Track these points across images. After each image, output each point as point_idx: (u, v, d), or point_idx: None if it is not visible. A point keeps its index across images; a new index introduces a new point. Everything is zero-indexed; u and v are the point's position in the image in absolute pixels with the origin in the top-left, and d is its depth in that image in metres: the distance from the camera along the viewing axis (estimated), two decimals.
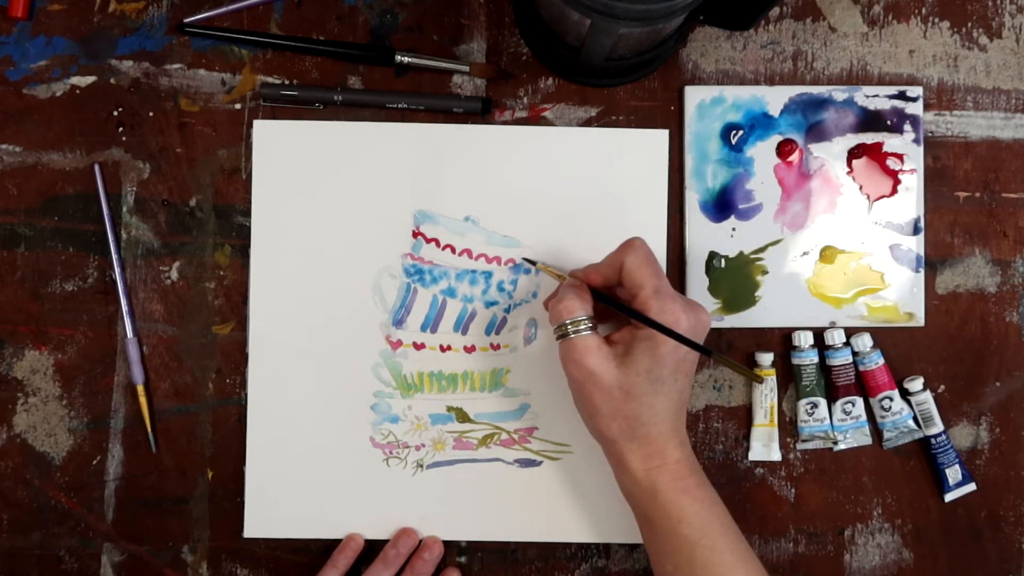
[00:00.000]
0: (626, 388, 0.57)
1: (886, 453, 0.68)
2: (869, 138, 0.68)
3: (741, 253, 0.68)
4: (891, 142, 0.68)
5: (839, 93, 0.68)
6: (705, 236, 0.68)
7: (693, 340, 0.57)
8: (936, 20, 0.69)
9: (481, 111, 0.67)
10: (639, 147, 0.68)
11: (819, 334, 0.68)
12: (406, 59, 0.67)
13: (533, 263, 0.65)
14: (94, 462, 0.67)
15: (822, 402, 0.67)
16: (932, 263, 0.68)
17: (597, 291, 0.60)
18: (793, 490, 0.68)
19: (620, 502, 0.67)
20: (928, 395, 0.67)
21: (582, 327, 0.58)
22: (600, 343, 0.58)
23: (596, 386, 0.58)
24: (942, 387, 0.68)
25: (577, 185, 0.67)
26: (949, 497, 0.68)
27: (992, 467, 0.68)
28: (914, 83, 0.69)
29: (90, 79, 0.68)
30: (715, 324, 0.68)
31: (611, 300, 0.60)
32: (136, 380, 0.67)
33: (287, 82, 0.68)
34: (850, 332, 0.68)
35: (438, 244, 0.67)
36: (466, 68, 0.67)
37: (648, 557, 0.63)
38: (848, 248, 0.68)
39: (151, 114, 0.68)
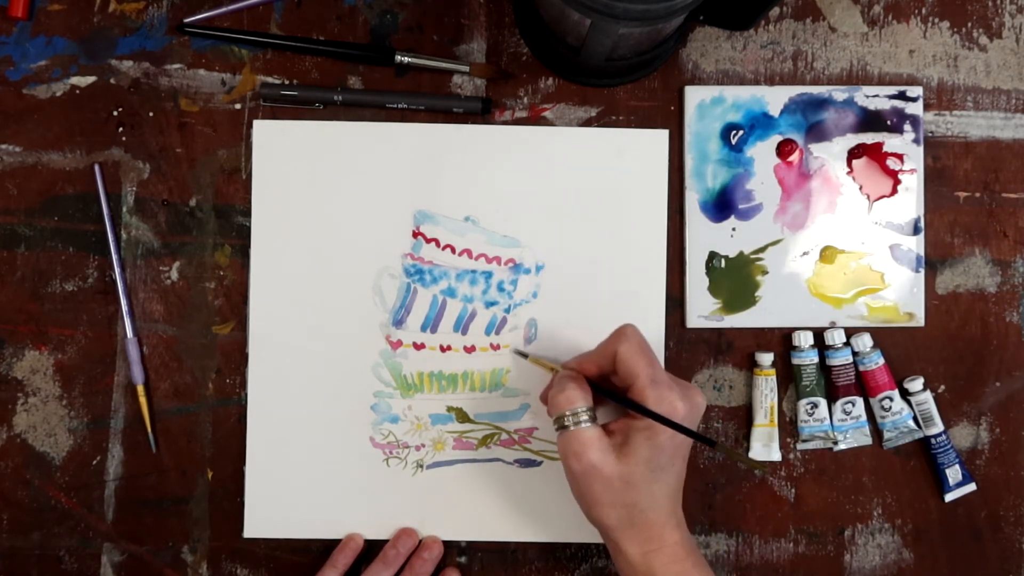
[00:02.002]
0: (626, 478, 0.57)
1: (886, 453, 0.68)
2: (869, 138, 0.68)
3: (741, 253, 0.68)
4: (891, 142, 0.68)
5: (839, 93, 0.68)
6: (705, 236, 0.68)
7: (690, 428, 0.58)
8: (936, 20, 0.69)
9: (481, 111, 0.67)
10: (639, 147, 0.68)
11: (819, 334, 0.68)
12: (406, 59, 0.67)
13: (525, 355, 0.66)
14: (94, 462, 0.67)
15: (822, 402, 0.67)
16: (932, 263, 0.68)
17: (593, 382, 0.60)
18: (793, 490, 0.68)
19: None
20: (928, 395, 0.67)
21: (583, 419, 0.58)
22: (600, 435, 0.58)
23: (597, 478, 0.57)
24: (942, 387, 0.68)
25: (577, 185, 0.67)
26: (949, 497, 0.68)
27: (992, 467, 0.68)
28: (914, 83, 0.69)
29: (90, 79, 0.68)
30: (715, 324, 0.68)
31: (608, 392, 0.60)
32: (136, 380, 0.67)
33: (287, 82, 0.68)
34: (850, 332, 0.68)
35: (438, 244, 0.67)
36: (466, 68, 0.67)
37: None
38: (848, 248, 0.68)
39: (151, 114, 0.68)
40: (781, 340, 0.68)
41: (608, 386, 0.61)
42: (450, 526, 0.67)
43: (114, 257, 0.67)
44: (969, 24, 0.69)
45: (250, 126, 0.68)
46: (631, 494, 0.57)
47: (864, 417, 0.68)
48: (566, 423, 0.58)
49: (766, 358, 0.67)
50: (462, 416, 0.68)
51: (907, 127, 0.68)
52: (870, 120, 0.68)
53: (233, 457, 0.67)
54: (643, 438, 0.57)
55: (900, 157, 0.68)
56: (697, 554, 0.59)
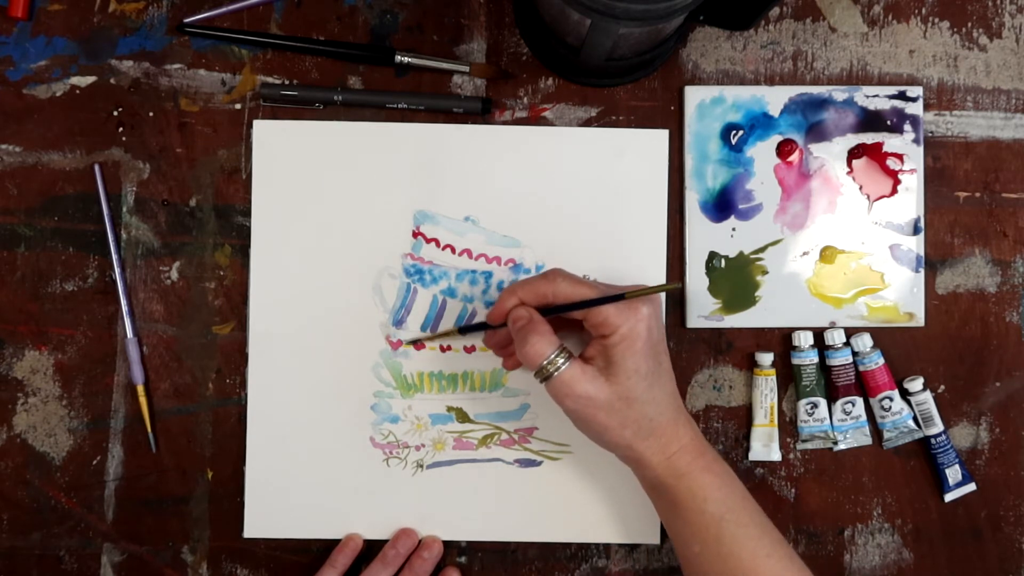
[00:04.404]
0: (623, 395, 0.57)
1: (886, 453, 0.68)
2: (869, 138, 0.68)
3: (741, 253, 0.68)
4: (891, 142, 0.68)
5: (839, 93, 0.68)
6: (705, 236, 0.68)
7: (649, 287, 0.58)
8: (936, 20, 0.69)
9: (481, 111, 0.67)
10: (639, 147, 0.68)
11: (819, 334, 0.68)
12: (406, 59, 0.67)
13: (466, 331, 0.65)
14: (94, 462, 0.67)
15: (822, 402, 0.67)
16: (932, 263, 0.68)
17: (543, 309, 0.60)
18: (793, 490, 0.68)
19: (620, 502, 0.67)
20: (928, 395, 0.67)
21: (560, 362, 0.58)
22: (582, 368, 0.58)
23: (596, 408, 0.58)
24: (942, 387, 0.68)
25: (577, 185, 0.67)
26: (949, 497, 0.68)
27: (992, 467, 0.68)
28: (914, 83, 0.69)
29: (90, 79, 0.68)
30: (715, 324, 0.68)
31: (562, 307, 0.59)
32: (136, 380, 0.67)
33: (287, 82, 0.68)
34: (850, 332, 0.68)
35: (438, 244, 0.67)
36: (466, 68, 0.67)
37: (671, 550, 0.63)
38: (848, 248, 0.68)
39: (151, 114, 0.68)
40: (781, 340, 0.68)
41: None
42: (450, 526, 0.67)
43: (114, 257, 0.67)
44: (969, 24, 0.69)
45: (250, 126, 0.68)
46: (635, 408, 0.58)
47: (864, 417, 0.68)
48: (546, 373, 0.58)
49: (766, 358, 0.67)
50: (462, 416, 0.68)
51: (907, 127, 0.68)
52: (870, 120, 0.68)
53: (233, 457, 0.67)
54: (622, 350, 0.57)
55: (900, 157, 0.68)
56: (712, 448, 0.60)
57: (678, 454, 0.59)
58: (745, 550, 0.58)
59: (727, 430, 0.68)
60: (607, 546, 0.68)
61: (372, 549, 0.67)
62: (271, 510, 0.67)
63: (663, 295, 0.66)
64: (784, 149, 0.68)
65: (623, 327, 0.57)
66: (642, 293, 0.57)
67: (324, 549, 0.67)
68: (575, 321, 0.60)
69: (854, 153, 0.68)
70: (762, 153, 0.68)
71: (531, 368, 0.59)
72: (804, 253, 0.68)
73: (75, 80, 0.68)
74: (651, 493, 0.61)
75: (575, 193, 0.67)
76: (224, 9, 0.68)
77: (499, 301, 0.60)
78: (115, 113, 0.68)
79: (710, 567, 0.58)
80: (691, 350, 0.68)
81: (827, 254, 0.68)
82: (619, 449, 0.60)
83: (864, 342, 0.67)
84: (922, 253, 0.68)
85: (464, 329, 0.65)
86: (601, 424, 0.58)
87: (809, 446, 0.68)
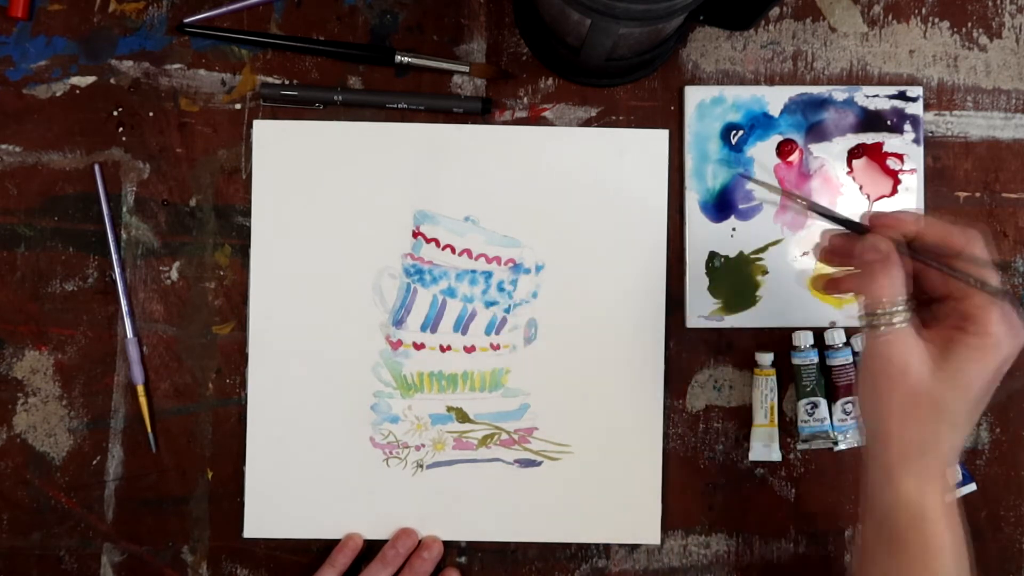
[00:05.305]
0: (937, 400, 0.48)
1: None
2: (869, 138, 0.68)
3: (741, 253, 0.68)
4: (891, 142, 0.68)
5: (839, 93, 0.68)
6: (705, 236, 0.68)
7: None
8: (936, 20, 0.69)
9: (481, 111, 0.67)
10: (639, 147, 0.68)
11: (819, 334, 0.68)
12: (406, 59, 0.67)
13: (750, 179, 0.58)
14: (94, 462, 0.67)
15: (822, 402, 0.67)
16: None
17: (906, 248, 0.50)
18: (793, 490, 0.68)
19: (620, 502, 0.67)
20: None
21: (899, 316, 0.48)
22: (916, 339, 0.48)
23: (901, 389, 0.49)
24: None
25: (577, 185, 0.67)
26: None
27: (992, 467, 0.68)
28: (914, 83, 0.69)
29: (90, 79, 0.68)
30: (715, 324, 0.68)
31: (931, 262, 0.49)
32: (136, 380, 0.67)
33: (287, 82, 0.68)
34: (850, 332, 0.68)
35: (438, 244, 0.67)
36: (466, 68, 0.67)
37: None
38: None
39: (151, 114, 0.68)
40: (781, 340, 0.68)
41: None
42: (450, 526, 0.67)
43: (114, 257, 0.67)
44: (969, 24, 0.69)
45: (250, 126, 0.68)
46: (936, 421, 0.49)
47: None
48: (878, 320, 0.49)
49: (766, 358, 0.67)
50: (462, 416, 0.68)
51: (907, 127, 0.68)
52: (870, 120, 0.68)
53: (233, 457, 0.67)
54: (971, 357, 0.48)
55: (900, 157, 0.68)
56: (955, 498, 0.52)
57: (934, 494, 0.49)
58: None
59: (727, 430, 0.68)
60: (607, 546, 0.68)
61: (372, 549, 0.67)
62: (271, 510, 0.67)
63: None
64: (784, 149, 0.68)
65: (1004, 340, 0.48)
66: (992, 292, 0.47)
67: (324, 549, 0.67)
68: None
69: (854, 153, 0.68)
70: (762, 153, 0.68)
71: (864, 306, 0.50)
72: (804, 253, 0.68)
73: (75, 80, 0.68)
74: (874, 516, 0.52)
75: (575, 193, 0.67)
76: (224, 9, 0.68)
77: (896, 215, 0.50)
78: (115, 113, 0.68)
79: None
80: (691, 350, 0.68)
81: None
82: (878, 445, 0.51)
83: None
84: None
85: (821, 211, 0.55)
86: (890, 409, 0.49)
87: (809, 446, 0.68)
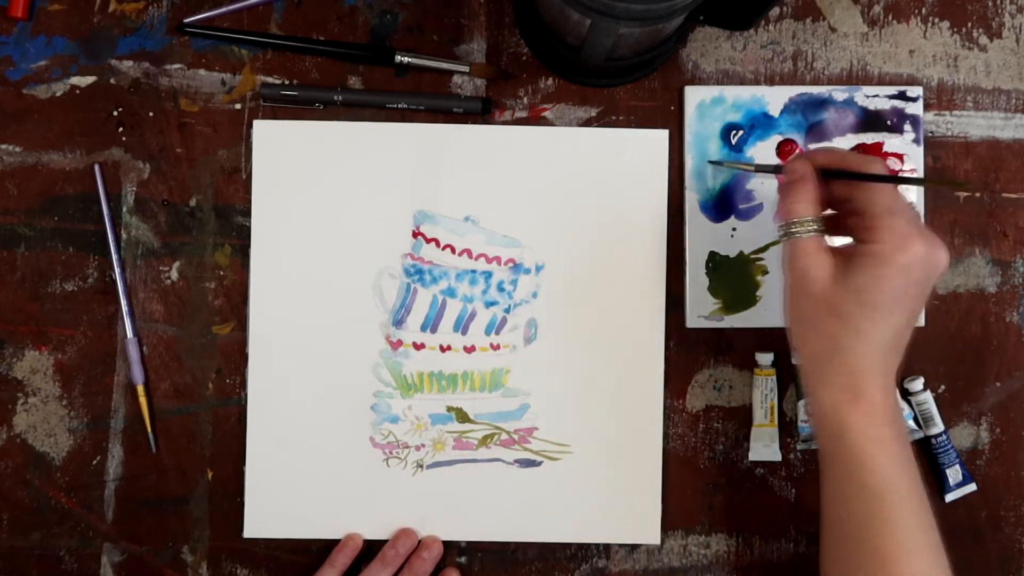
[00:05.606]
0: (832, 303, 0.52)
1: None
2: (869, 138, 0.68)
3: (741, 253, 0.68)
4: (891, 142, 0.68)
5: (839, 93, 0.68)
6: (705, 236, 0.68)
7: (917, 221, 0.52)
8: (936, 20, 0.69)
9: (481, 111, 0.67)
10: (639, 147, 0.68)
11: None
12: (406, 59, 0.67)
13: (719, 163, 0.65)
14: (94, 462, 0.67)
15: None
16: None
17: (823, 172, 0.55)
18: (793, 490, 0.68)
19: (620, 502, 0.67)
20: (928, 395, 0.67)
21: (809, 226, 0.54)
22: (820, 247, 0.53)
23: (804, 292, 0.53)
24: (942, 387, 0.68)
25: (577, 185, 0.67)
26: (949, 497, 0.68)
27: (992, 467, 0.68)
28: (914, 83, 0.69)
29: (90, 79, 0.68)
30: (715, 324, 0.68)
31: (849, 173, 0.54)
32: (136, 380, 0.67)
33: (287, 82, 0.68)
34: None
35: (438, 244, 0.67)
36: (466, 68, 0.67)
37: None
38: None
39: (151, 114, 0.68)
40: (781, 340, 0.68)
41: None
42: (450, 526, 0.67)
43: (114, 257, 0.67)
44: (969, 24, 0.69)
45: (250, 126, 0.68)
46: (833, 323, 0.52)
47: None
48: (793, 230, 0.54)
49: (766, 358, 0.67)
50: (462, 416, 0.68)
51: (907, 127, 0.68)
52: (870, 120, 0.68)
53: (233, 457, 0.67)
54: (865, 264, 0.52)
55: (900, 157, 0.68)
56: (900, 426, 0.54)
57: (849, 405, 0.52)
58: (891, 539, 0.52)
59: (727, 430, 0.68)
60: (607, 546, 0.68)
61: (372, 549, 0.67)
62: (271, 510, 0.67)
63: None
64: (784, 149, 0.68)
65: (894, 250, 0.51)
66: (938, 183, 0.53)
67: (324, 549, 0.67)
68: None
69: None
70: (762, 153, 0.68)
71: (780, 220, 0.55)
72: None
73: (75, 80, 0.68)
74: (812, 424, 0.56)
75: (575, 193, 0.67)
76: (224, 9, 0.68)
77: (810, 152, 0.57)
78: (115, 113, 0.68)
79: (846, 538, 0.53)
80: (691, 350, 0.68)
81: None
82: (801, 357, 0.55)
83: None
84: None
85: (759, 167, 0.63)
86: (798, 313, 0.54)
87: (809, 446, 0.68)
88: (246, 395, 0.67)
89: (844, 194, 0.55)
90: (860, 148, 0.68)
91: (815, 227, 0.54)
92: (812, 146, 0.58)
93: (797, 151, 0.62)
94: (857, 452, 0.52)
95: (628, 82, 0.68)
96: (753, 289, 0.68)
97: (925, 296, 0.54)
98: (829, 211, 0.57)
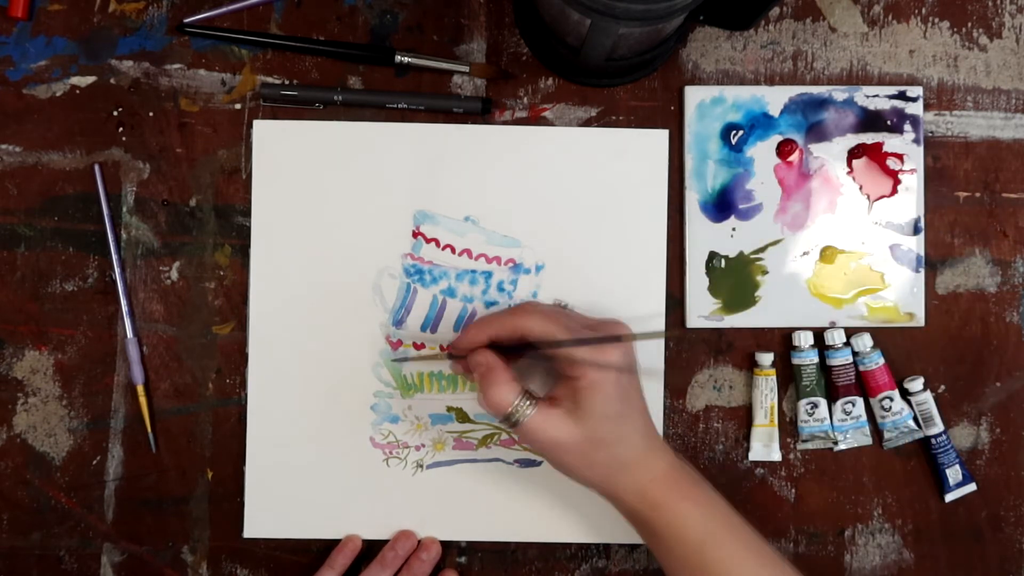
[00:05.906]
0: (591, 438, 0.57)
1: (886, 453, 0.68)
2: (869, 138, 0.68)
3: (741, 253, 0.68)
4: (891, 142, 0.68)
5: (839, 93, 0.68)
6: (705, 236, 0.68)
7: (637, 333, 0.59)
8: (936, 20, 0.69)
9: (481, 111, 0.67)
10: (639, 147, 0.68)
11: (819, 334, 0.68)
12: (406, 59, 0.67)
13: (404, 359, 0.67)
14: (94, 462, 0.67)
15: (822, 402, 0.67)
16: (932, 263, 0.68)
17: (506, 347, 0.59)
18: (793, 490, 0.68)
19: None
20: (928, 395, 0.67)
21: (526, 409, 0.57)
22: (548, 412, 0.57)
23: (565, 451, 0.58)
24: (942, 387, 0.68)
25: (577, 185, 0.67)
26: (949, 497, 0.68)
27: (992, 467, 0.68)
28: (914, 83, 0.69)
29: (90, 79, 0.68)
30: (715, 324, 0.68)
31: (531, 346, 0.58)
32: (136, 380, 0.67)
33: (287, 82, 0.68)
34: (850, 332, 0.68)
35: (438, 244, 0.67)
36: (466, 68, 0.67)
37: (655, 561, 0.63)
38: (848, 248, 0.68)
39: (151, 114, 0.68)
40: (781, 340, 0.68)
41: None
42: (450, 526, 0.67)
43: (114, 257, 0.67)
44: (969, 24, 0.69)
45: (250, 126, 0.68)
46: (603, 450, 0.57)
47: (864, 417, 0.67)
48: (513, 420, 0.57)
49: (766, 358, 0.67)
50: (462, 416, 0.68)
51: (907, 127, 0.68)
52: (870, 120, 0.68)
53: (233, 457, 0.67)
54: (591, 394, 0.57)
55: (900, 157, 0.68)
56: (690, 471, 0.60)
57: (651, 486, 0.58)
58: (731, 574, 0.57)
59: (727, 430, 0.68)
60: (607, 546, 0.68)
61: (371, 550, 0.67)
62: (271, 510, 0.67)
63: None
64: (784, 149, 0.68)
65: (591, 372, 0.57)
66: (613, 340, 0.57)
67: (324, 549, 0.67)
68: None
69: (854, 153, 0.68)
70: (762, 153, 0.68)
71: (498, 417, 0.58)
72: (804, 253, 0.68)
73: (75, 80, 0.68)
74: (635, 527, 0.61)
75: (575, 193, 0.67)
76: (224, 9, 0.68)
77: (468, 333, 0.60)
78: (115, 113, 0.68)
79: None
80: (691, 350, 0.68)
81: (827, 254, 0.68)
82: (592, 487, 0.60)
83: (864, 342, 0.67)
84: (922, 253, 0.68)
85: (451, 356, 0.64)
86: (570, 465, 0.59)
87: (809, 446, 0.68)
88: (246, 395, 0.67)
89: (510, 338, 0.59)
90: (860, 148, 0.68)
91: (529, 402, 0.57)
92: (473, 324, 0.60)
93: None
94: (676, 515, 0.58)
95: (628, 82, 0.68)
96: (753, 289, 0.68)
97: (638, 376, 0.60)
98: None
